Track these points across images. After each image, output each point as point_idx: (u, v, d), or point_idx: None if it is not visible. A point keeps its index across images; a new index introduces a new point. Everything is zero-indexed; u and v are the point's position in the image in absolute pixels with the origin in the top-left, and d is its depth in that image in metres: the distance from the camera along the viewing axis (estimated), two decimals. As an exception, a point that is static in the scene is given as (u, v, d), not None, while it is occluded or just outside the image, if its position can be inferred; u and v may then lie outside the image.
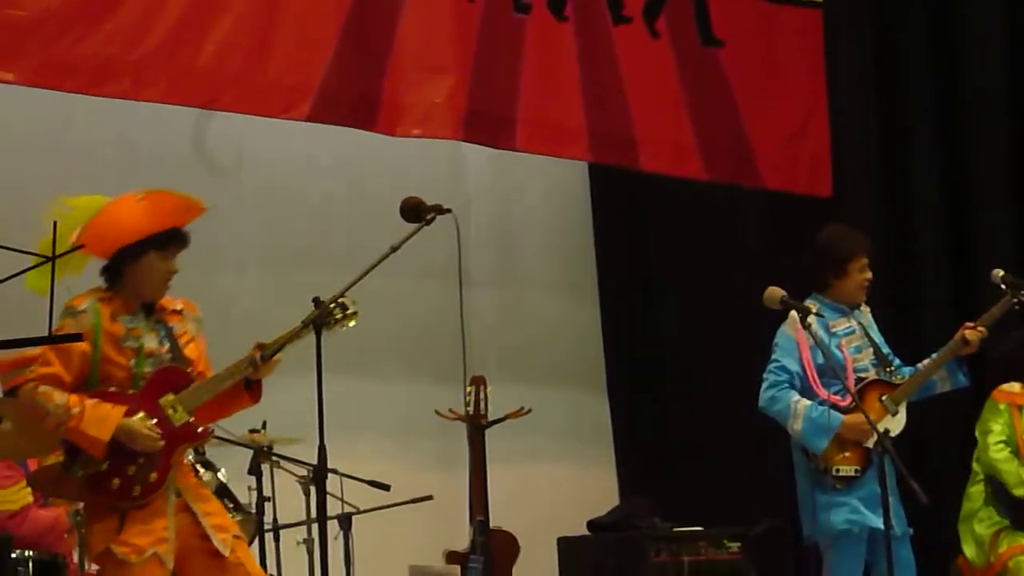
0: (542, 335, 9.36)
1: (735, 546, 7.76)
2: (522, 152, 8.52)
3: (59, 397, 5.39)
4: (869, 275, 7.10)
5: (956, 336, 7.03)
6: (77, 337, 5.28)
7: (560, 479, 9.21)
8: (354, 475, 7.06)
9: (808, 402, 6.88)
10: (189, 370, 5.62)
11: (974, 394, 7.75)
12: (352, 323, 5.65)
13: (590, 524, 8.07)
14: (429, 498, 7.54)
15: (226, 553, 5.50)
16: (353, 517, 7.24)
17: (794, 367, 6.96)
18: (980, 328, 7.01)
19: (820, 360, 6.93)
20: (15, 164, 7.64)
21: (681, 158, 8.89)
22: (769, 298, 6.61)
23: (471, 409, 7.97)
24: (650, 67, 8.80)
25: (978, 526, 7.48)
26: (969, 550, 7.50)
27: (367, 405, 8.38)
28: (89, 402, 5.41)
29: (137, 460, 5.45)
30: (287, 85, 7.53)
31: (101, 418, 5.41)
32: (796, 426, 6.88)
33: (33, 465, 6.39)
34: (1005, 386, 7.55)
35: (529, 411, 8.21)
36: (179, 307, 5.73)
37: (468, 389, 7.89)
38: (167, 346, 5.60)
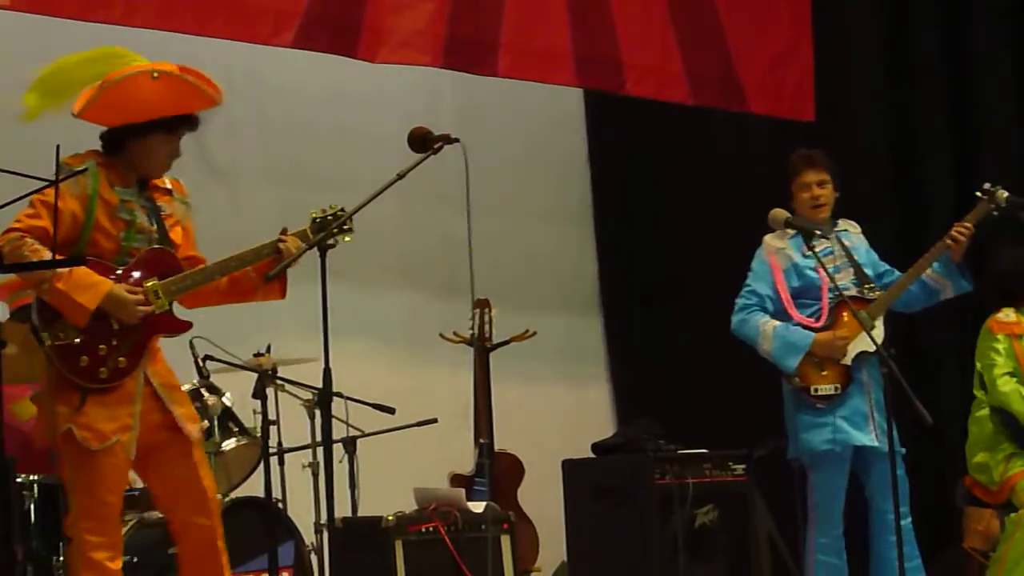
0: (538, 263, 9.35)
1: (740, 468, 7.77)
2: (504, 78, 8.45)
3: (46, 253, 5.18)
4: (814, 192, 6.97)
5: (939, 241, 6.95)
6: (81, 261, 5.22)
7: (562, 403, 9.24)
8: (359, 398, 7.06)
9: (777, 323, 6.87)
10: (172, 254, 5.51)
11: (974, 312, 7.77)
12: (347, 238, 5.63)
13: (594, 446, 8.08)
14: (434, 421, 7.54)
15: (194, 440, 5.44)
16: (358, 440, 7.25)
17: (765, 290, 6.95)
18: (966, 224, 6.92)
19: (795, 283, 6.92)
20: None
21: (667, 83, 8.87)
22: (774, 219, 6.60)
23: (476, 332, 7.98)
24: (638, -10, 8.78)
25: (987, 452, 7.44)
26: (978, 473, 7.50)
27: (372, 329, 8.38)
28: (79, 267, 5.21)
29: (110, 341, 5.32)
30: (273, 10, 7.50)
31: (90, 284, 5.25)
32: (766, 347, 6.88)
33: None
34: (1000, 315, 7.45)
35: (534, 333, 8.23)
36: (168, 186, 5.61)
37: (472, 312, 7.90)
38: (155, 226, 5.49)
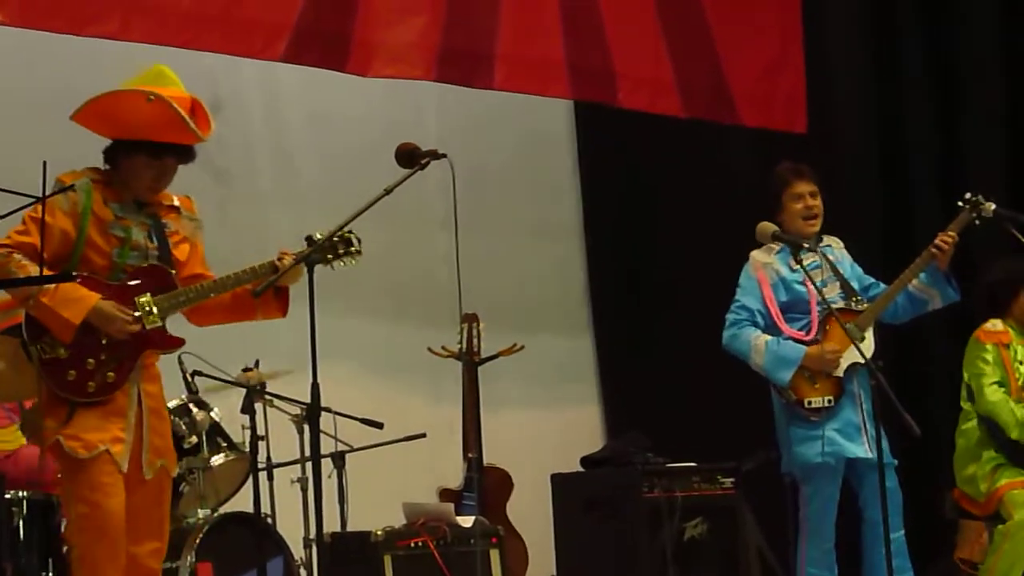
0: (528, 278, 9.35)
1: (728, 481, 7.78)
2: (499, 91, 8.43)
3: (33, 269, 5.17)
4: (808, 203, 6.96)
5: (925, 251, 6.96)
6: (69, 277, 5.21)
7: (551, 417, 9.23)
8: (348, 413, 7.06)
9: (769, 337, 6.87)
10: (173, 272, 5.49)
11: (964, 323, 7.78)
12: (354, 261, 5.63)
13: (583, 460, 8.08)
14: (422, 436, 7.55)
15: (147, 476, 5.36)
16: (347, 455, 7.25)
17: (755, 305, 6.93)
18: (950, 233, 6.91)
19: (784, 297, 6.93)
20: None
21: (660, 95, 8.86)
22: (761, 233, 6.60)
23: (464, 346, 7.98)
24: (629, 2, 8.77)
25: (974, 464, 7.45)
26: (965, 485, 7.51)
27: (361, 345, 8.38)
28: (66, 282, 5.18)
29: (99, 355, 5.31)
30: (265, 24, 7.50)
31: (75, 299, 5.24)
32: (759, 361, 6.87)
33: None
34: (988, 325, 7.49)
35: (522, 347, 8.23)
36: (176, 203, 5.59)
37: (461, 326, 7.90)
38: (155, 243, 5.47)
